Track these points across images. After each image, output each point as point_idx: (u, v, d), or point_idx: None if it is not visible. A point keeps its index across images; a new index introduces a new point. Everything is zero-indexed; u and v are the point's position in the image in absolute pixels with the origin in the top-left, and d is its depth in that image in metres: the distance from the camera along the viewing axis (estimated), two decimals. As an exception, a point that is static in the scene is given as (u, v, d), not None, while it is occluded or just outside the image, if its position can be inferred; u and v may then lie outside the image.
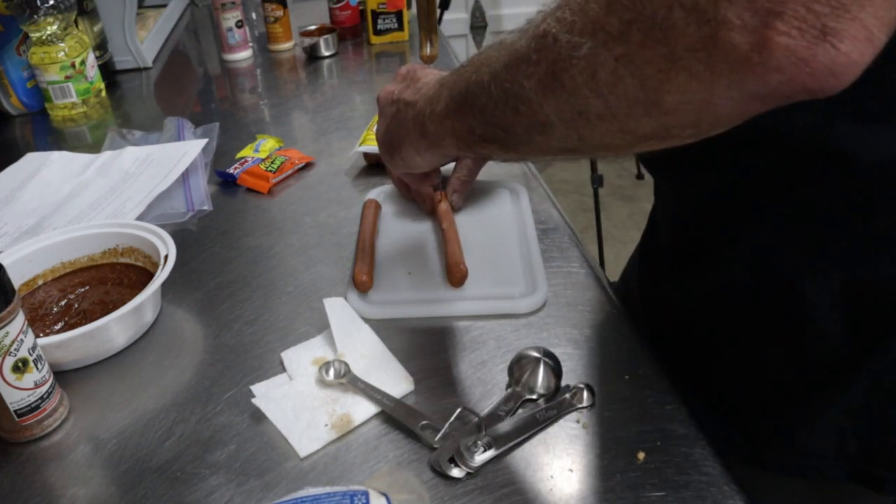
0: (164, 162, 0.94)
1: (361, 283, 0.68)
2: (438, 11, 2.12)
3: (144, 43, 1.40)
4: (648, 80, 0.33)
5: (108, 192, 0.91)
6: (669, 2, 0.30)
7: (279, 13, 1.39)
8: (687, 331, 0.66)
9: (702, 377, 0.64)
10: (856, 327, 0.53)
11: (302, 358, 0.62)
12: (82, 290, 0.73)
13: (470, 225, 0.77)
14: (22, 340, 0.54)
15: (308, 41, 1.37)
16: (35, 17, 1.12)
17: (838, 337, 0.54)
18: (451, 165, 0.81)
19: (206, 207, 0.87)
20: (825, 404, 0.56)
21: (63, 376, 0.62)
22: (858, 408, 0.55)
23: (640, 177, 2.79)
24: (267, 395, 0.58)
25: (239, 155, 0.98)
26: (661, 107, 0.33)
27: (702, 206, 0.60)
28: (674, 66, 0.31)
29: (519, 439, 0.53)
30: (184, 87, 1.36)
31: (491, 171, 0.84)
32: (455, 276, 0.68)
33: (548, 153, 0.43)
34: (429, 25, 0.85)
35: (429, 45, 0.85)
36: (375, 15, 1.39)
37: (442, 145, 0.51)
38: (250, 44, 1.43)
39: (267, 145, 0.98)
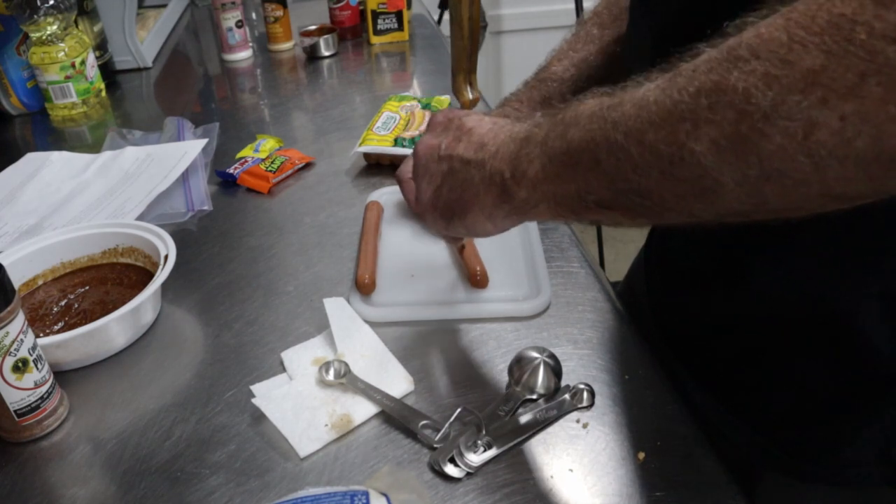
0: (164, 162, 0.94)
1: (364, 285, 0.68)
2: (438, 12, 2.09)
3: (144, 43, 1.39)
4: (889, 140, 0.28)
5: (107, 192, 0.91)
6: None
7: (279, 13, 1.39)
8: (712, 342, 0.64)
9: (731, 387, 0.62)
10: None
11: (302, 358, 0.62)
12: (82, 290, 0.73)
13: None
14: (22, 340, 0.54)
15: (308, 41, 1.37)
16: (35, 17, 1.12)
17: (885, 349, 0.52)
18: None
19: (206, 207, 0.87)
20: (870, 416, 0.54)
21: (63, 376, 0.62)
22: None
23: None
24: (267, 395, 0.58)
25: (239, 155, 0.98)
26: (894, 166, 0.29)
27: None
28: None
29: (519, 439, 0.53)
30: (184, 87, 1.36)
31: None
32: (480, 282, 0.68)
33: (696, 218, 0.38)
34: (469, 66, 0.73)
35: (468, 88, 0.74)
36: (375, 15, 1.39)
37: (533, 212, 0.46)
38: (250, 44, 1.43)
39: (267, 145, 0.98)
